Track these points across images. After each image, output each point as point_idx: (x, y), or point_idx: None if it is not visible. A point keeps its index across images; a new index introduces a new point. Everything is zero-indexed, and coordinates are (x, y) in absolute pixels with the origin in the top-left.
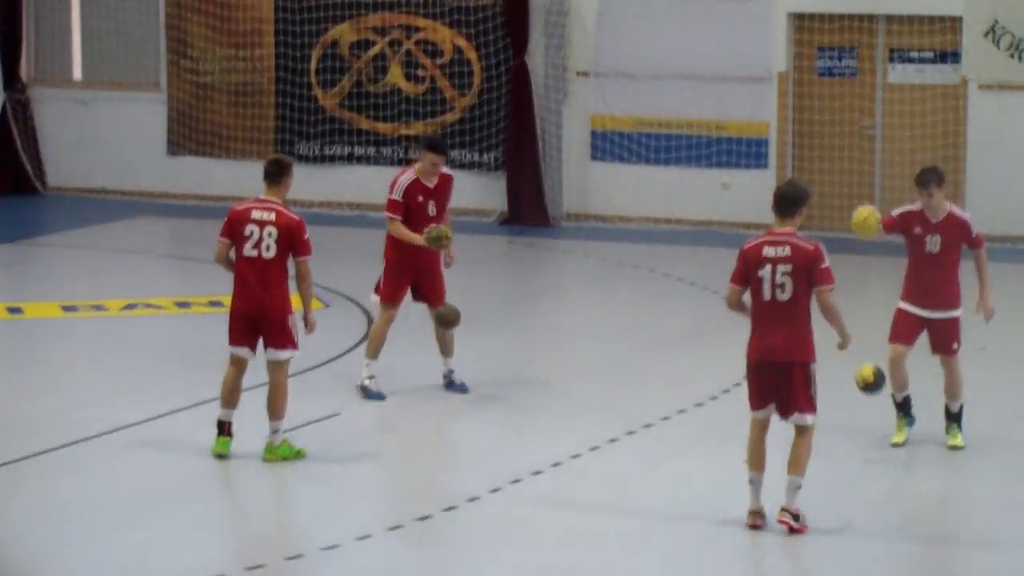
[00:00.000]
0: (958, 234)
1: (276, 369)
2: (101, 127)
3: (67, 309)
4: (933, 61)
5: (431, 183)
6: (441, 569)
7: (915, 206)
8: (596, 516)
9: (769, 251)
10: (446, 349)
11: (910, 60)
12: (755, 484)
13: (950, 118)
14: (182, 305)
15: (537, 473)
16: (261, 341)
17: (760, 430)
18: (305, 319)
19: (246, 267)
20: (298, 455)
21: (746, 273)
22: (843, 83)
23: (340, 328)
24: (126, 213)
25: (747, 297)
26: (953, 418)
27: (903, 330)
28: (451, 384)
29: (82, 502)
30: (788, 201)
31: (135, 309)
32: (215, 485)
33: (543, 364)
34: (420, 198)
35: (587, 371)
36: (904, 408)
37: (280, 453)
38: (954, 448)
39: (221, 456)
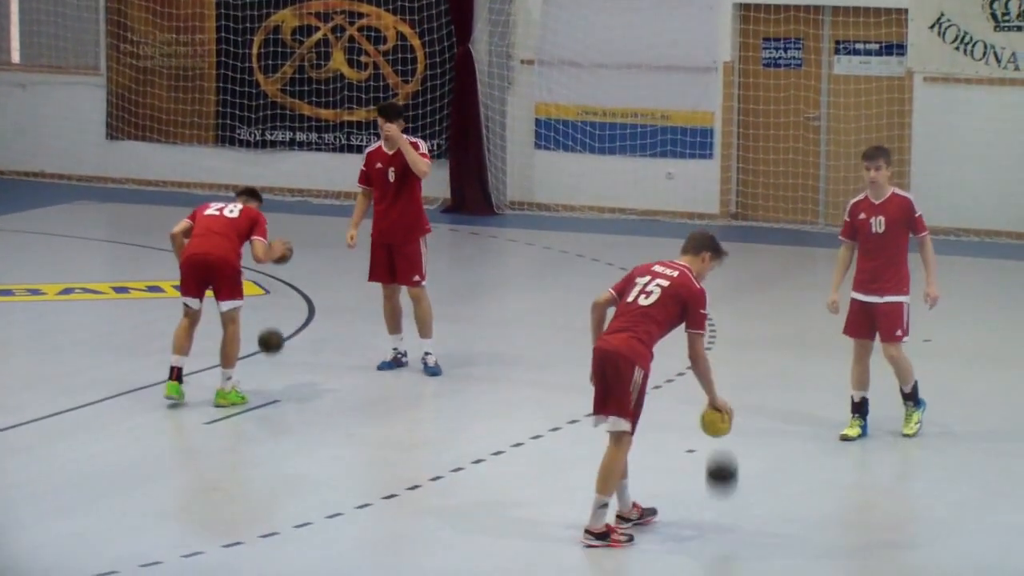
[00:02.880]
0: (901, 214)
1: (228, 322)
2: (40, 111)
3: (3, 293)
4: (879, 53)
5: (390, 149)
6: (379, 558)
7: (859, 196)
8: (536, 505)
9: (658, 268)
10: (424, 330)
11: (855, 52)
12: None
13: (895, 110)
14: (120, 290)
15: (479, 461)
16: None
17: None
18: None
19: (204, 222)
20: (243, 399)
21: (626, 284)
22: (788, 74)
23: (280, 315)
24: (65, 197)
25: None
26: (908, 396)
27: (854, 320)
28: (424, 366)
29: (18, 487)
30: (696, 241)
31: (72, 294)
32: (151, 470)
33: (486, 353)
34: (379, 164)
35: (530, 360)
36: (860, 410)
37: (230, 399)
38: (907, 436)
39: (171, 399)
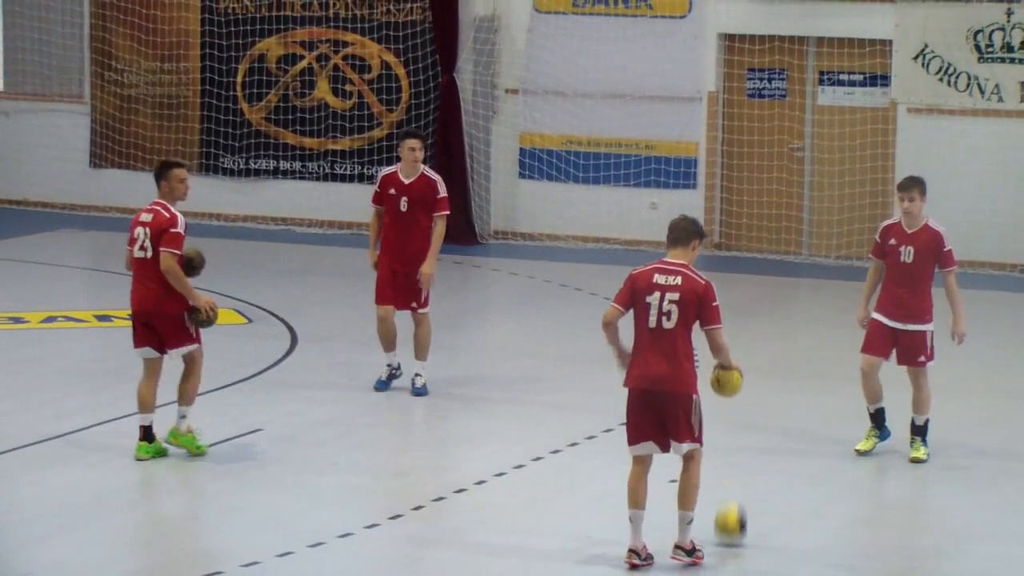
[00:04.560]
0: (931, 246)
1: (188, 362)
2: (23, 138)
3: None
4: (863, 84)
5: (408, 178)
6: None
7: (893, 219)
8: (518, 536)
9: (660, 278)
10: (419, 352)
11: (840, 83)
12: (634, 522)
13: (879, 141)
14: (103, 318)
15: (461, 491)
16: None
17: (640, 469)
18: (198, 309)
19: (137, 269)
20: (198, 451)
21: (631, 297)
22: (773, 104)
23: (263, 344)
24: (48, 225)
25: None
26: (917, 431)
27: (873, 341)
28: (412, 386)
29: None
30: (681, 231)
31: (55, 322)
32: (133, 497)
33: (469, 382)
34: (392, 191)
35: (513, 390)
36: (877, 420)
37: (183, 441)
38: (916, 461)
39: (141, 460)
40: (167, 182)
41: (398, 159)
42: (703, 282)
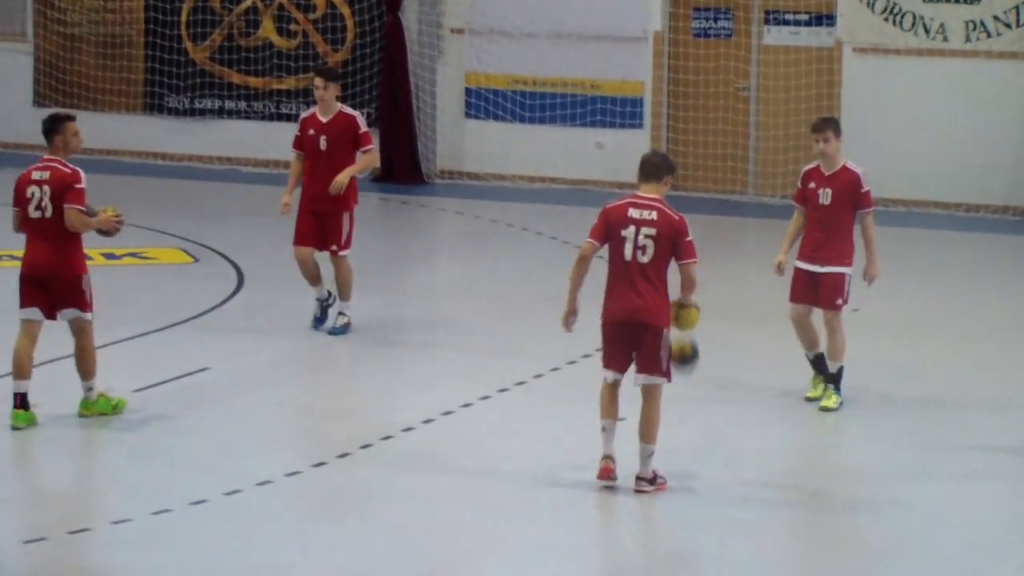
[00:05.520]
0: (849, 187)
1: (78, 332)
2: None
3: None
4: (808, 24)
5: (325, 116)
6: (308, 525)
7: (812, 164)
8: (467, 473)
9: (634, 212)
10: (343, 293)
11: (785, 22)
12: (607, 431)
13: (824, 80)
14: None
15: (409, 429)
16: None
17: (611, 388)
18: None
19: (32, 230)
20: (116, 408)
21: (606, 232)
22: (718, 44)
23: (208, 283)
24: None
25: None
26: (831, 379)
27: (797, 289)
28: (333, 325)
29: None
30: (652, 166)
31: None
32: (80, 437)
33: (416, 322)
34: (311, 131)
35: (461, 329)
36: (818, 365)
37: (97, 408)
38: (826, 410)
39: (17, 429)
40: (61, 136)
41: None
42: (677, 217)
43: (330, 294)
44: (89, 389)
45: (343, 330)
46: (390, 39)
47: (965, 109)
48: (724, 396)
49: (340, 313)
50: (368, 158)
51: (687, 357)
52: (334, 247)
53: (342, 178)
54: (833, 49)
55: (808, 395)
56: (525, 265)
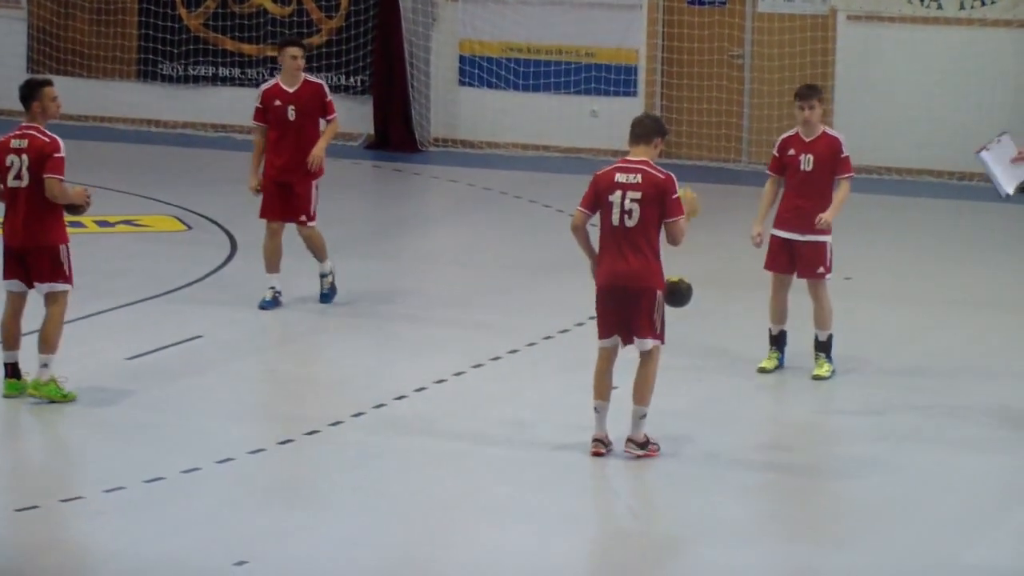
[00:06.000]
0: (830, 153)
1: (51, 301)
2: None
3: None
4: None
5: (292, 87)
6: (301, 492)
7: (790, 132)
8: (459, 441)
9: (620, 177)
10: (319, 254)
11: None
12: (600, 412)
13: (818, 48)
14: None
15: (401, 398)
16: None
17: (606, 360)
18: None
19: (9, 199)
20: (65, 398)
21: (596, 199)
22: (713, 12)
23: (202, 251)
24: None
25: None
26: (820, 347)
27: (777, 257)
28: (320, 293)
29: None
30: (643, 128)
31: None
32: (74, 406)
33: (409, 290)
34: (277, 102)
35: (453, 297)
36: (778, 343)
37: (46, 391)
38: (818, 378)
39: (9, 397)
40: (39, 102)
41: (277, 71)
42: (663, 176)
43: (281, 292)
44: (44, 366)
45: (332, 291)
46: (384, 6)
47: (959, 77)
48: (714, 364)
49: (324, 275)
50: (335, 126)
51: (680, 292)
52: (303, 217)
53: (319, 151)
54: (827, 17)
55: (762, 366)
56: (518, 233)
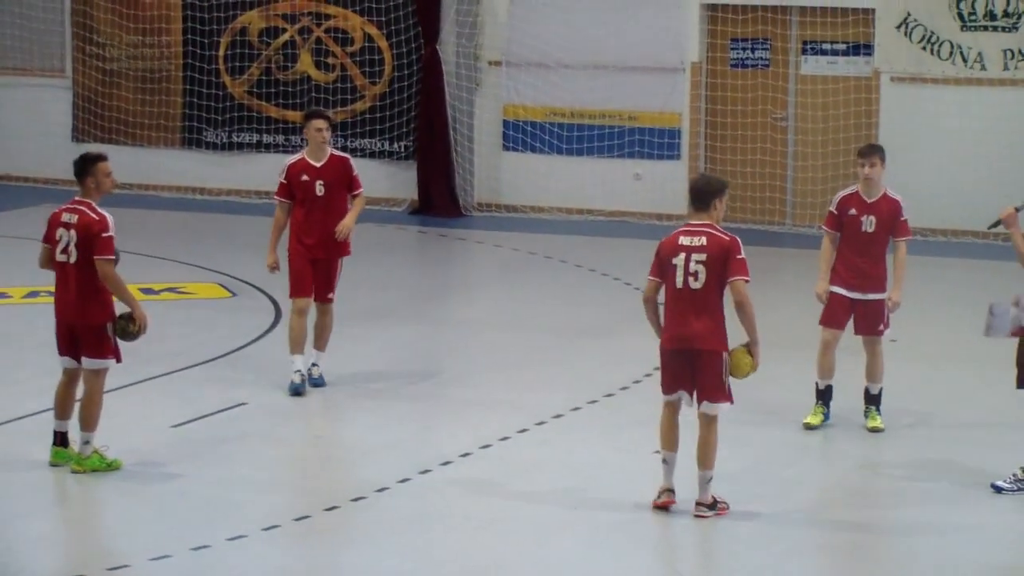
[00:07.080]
0: (891, 215)
1: (90, 378)
2: (6, 113)
3: None
4: (846, 53)
5: (318, 161)
6: (349, 558)
7: (849, 190)
8: (507, 505)
9: (685, 240)
10: (321, 343)
11: (823, 52)
12: (668, 463)
13: (862, 110)
14: None
15: (447, 463)
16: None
17: (671, 413)
18: (133, 319)
19: (59, 273)
20: (109, 467)
21: (661, 265)
22: (756, 74)
23: (246, 318)
24: (30, 200)
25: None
26: (872, 400)
27: (836, 313)
28: (310, 377)
29: None
30: (700, 192)
31: (37, 297)
32: (122, 473)
33: (454, 355)
34: (305, 177)
35: (498, 362)
36: (824, 397)
37: (89, 464)
38: (874, 430)
39: (55, 465)
40: (93, 177)
41: (305, 142)
42: (728, 237)
43: (315, 364)
44: (86, 443)
45: (322, 380)
46: (428, 71)
47: (1003, 137)
48: (767, 420)
49: (315, 364)
50: (362, 200)
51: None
52: (330, 295)
53: (349, 222)
54: (871, 78)
55: (808, 421)
56: (564, 297)
